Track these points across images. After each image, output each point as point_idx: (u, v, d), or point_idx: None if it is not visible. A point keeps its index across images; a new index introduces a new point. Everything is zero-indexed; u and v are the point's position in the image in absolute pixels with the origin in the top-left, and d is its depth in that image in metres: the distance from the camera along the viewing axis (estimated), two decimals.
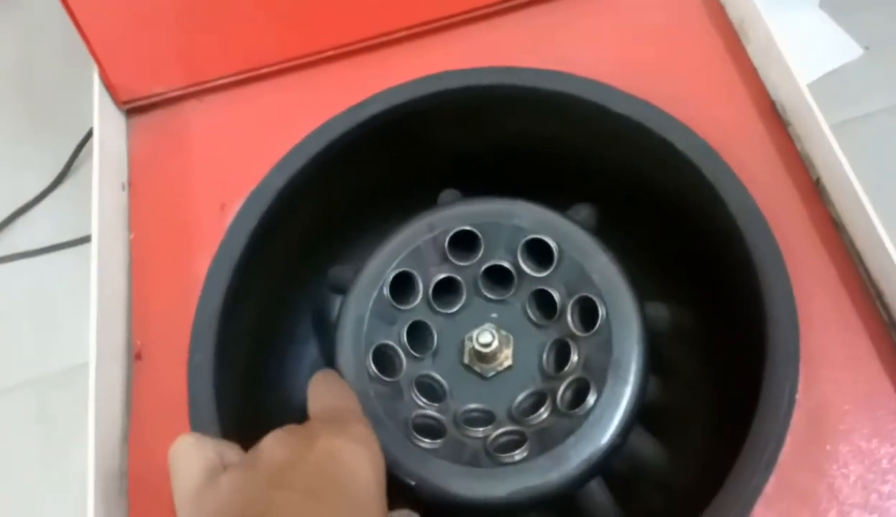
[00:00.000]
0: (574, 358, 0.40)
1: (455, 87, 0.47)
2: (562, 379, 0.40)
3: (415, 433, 0.39)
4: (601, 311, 0.40)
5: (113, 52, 0.49)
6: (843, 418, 0.36)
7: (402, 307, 0.43)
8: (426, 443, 0.39)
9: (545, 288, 0.42)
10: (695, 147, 0.43)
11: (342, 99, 0.47)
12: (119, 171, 0.49)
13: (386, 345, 0.42)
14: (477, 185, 0.48)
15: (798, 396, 0.36)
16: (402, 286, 0.43)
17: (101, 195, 0.45)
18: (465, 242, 0.44)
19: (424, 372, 0.42)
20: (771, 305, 0.38)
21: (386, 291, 0.42)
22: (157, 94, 0.51)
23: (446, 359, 0.43)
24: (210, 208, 0.46)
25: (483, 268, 0.44)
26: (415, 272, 0.43)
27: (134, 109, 0.51)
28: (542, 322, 0.43)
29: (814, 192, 0.42)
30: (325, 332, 0.49)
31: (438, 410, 0.41)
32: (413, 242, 0.43)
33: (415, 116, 0.48)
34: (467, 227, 0.43)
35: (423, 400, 0.41)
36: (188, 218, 0.47)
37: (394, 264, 0.43)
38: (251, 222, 0.44)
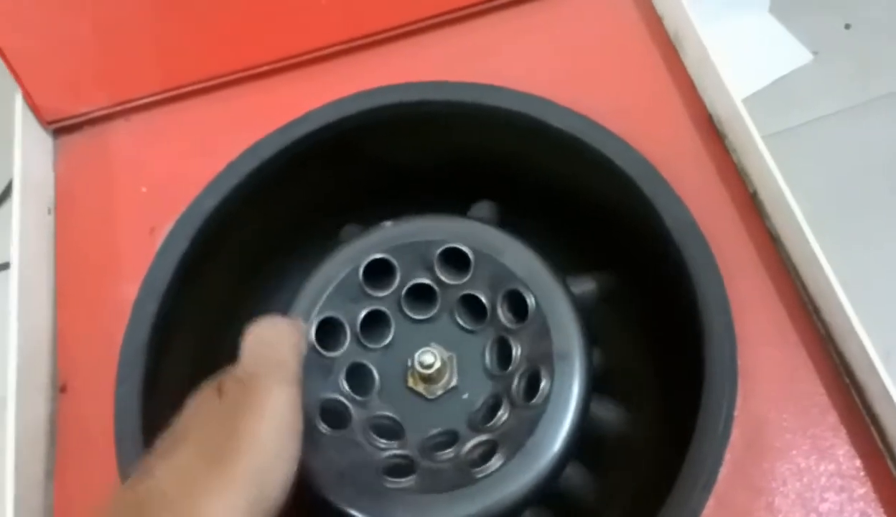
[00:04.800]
0: (516, 351, 0.40)
1: (391, 103, 0.46)
2: (511, 375, 0.40)
3: (385, 476, 0.37)
4: (529, 300, 0.40)
5: (35, 71, 0.47)
6: (781, 435, 0.36)
7: (333, 354, 0.41)
8: (400, 482, 0.37)
9: (470, 292, 0.42)
10: (632, 161, 0.42)
11: (275, 116, 0.45)
12: (44, 194, 0.47)
13: (329, 399, 0.40)
14: (431, 198, 0.47)
15: (736, 413, 0.36)
16: (329, 332, 0.41)
17: (23, 220, 0.43)
18: (380, 271, 0.42)
19: (375, 413, 0.40)
20: (708, 321, 0.37)
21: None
22: (84, 114, 0.49)
23: (392, 393, 0.41)
24: (139, 232, 0.45)
25: (404, 291, 0.42)
26: (337, 315, 0.41)
27: (60, 129, 0.50)
28: (476, 326, 0.42)
29: (750, 205, 0.42)
30: None
31: (401, 447, 0.39)
32: (327, 286, 0.41)
33: (353, 132, 0.47)
34: (378, 256, 0.42)
35: (383, 441, 0.39)
36: (117, 242, 0.45)
37: (314, 313, 0.41)
38: (181, 246, 0.42)
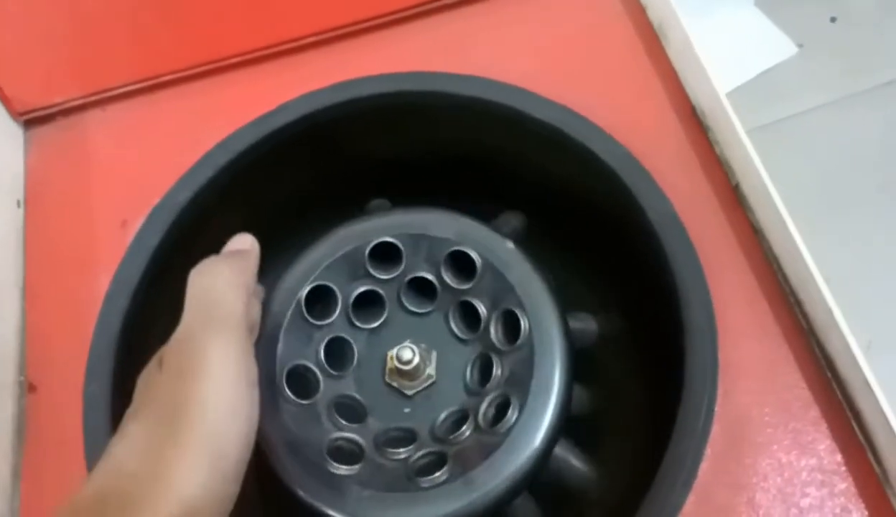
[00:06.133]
0: (497, 372, 0.39)
1: (369, 94, 0.46)
2: (484, 395, 0.39)
3: (330, 459, 0.37)
4: (524, 325, 0.39)
5: (5, 60, 0.46)
6: (762, 430, 0.35)
7: (320, 322, 0.41)
8: (343, 469, 0.36)
9: (469, 300, 0.41)
10: (614, 153, 0.42)
11: (253, 107, 0.45)
12: (14, 186, 0.46)
13: (301, 366, 0.40)
14: (413, 191, 0.47)
15: (717, 408, 0.35)
16: (321, 300, 0.41)
17: None
18: (386, 254, 0.42)
19: (344, 392, 0.40)
20: (689, 315, 0.37)
21: (302, 307, 0.40)
22: (56, 105, 0.48)
23: (368, 377, 0.41)
24: (111, 225, 0.44)
25: (405, 280, 0.42)
26: (333, 286, 0.41)
27: (32, 121, 0.48)
28: (466, 335, 0.41)
29: (733, 197, 0.41)
30: None
31: (357, 432, 0.39)
32: (332, 255, 0.41)
33: (331, 124, 0.46)
34: (388, 239, 0.41)
35: (342, 422, 0.39)
36: (88, 236, 0.44)
37: (311, 278, 0.40)
38: (153, 240, 0.42)
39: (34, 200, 0.46)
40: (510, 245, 0.41)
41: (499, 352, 0.39)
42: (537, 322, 0.38)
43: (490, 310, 0.40)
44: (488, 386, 0.39)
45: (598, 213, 0.45)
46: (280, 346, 0.39)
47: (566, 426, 0.37)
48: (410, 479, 0.36)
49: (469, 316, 0.41)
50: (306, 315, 0.40)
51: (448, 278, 0.41)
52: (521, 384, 0.37)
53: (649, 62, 0.47)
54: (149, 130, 0.48)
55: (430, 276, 0.41)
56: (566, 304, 0.40)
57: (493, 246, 0.41)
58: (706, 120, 0.43)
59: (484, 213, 0.44)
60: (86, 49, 0.48)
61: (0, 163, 0.45)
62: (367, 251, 0.41)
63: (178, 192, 0.43)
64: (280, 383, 0.38)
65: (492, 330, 0.40)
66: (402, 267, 0.42)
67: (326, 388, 0.39)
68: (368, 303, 0.42)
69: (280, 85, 0.45)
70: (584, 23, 0.49)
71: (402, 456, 0.38)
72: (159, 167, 0.44)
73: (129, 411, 0.28)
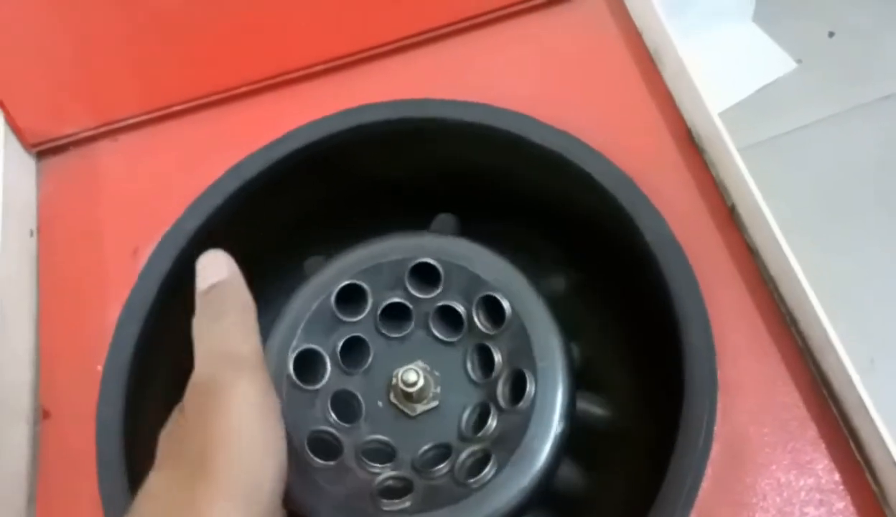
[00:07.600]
0: (497, 357, 0.40)
1: (374, 121, 0.47)
2: (495, 381, 0.40)
3: (381, 499, 0.37)
4: (505, 304, 0.40)
5: (18, 92, 0.47)
6: (761, 450, 0.36)
7: (315, 386, 0.41)
8: (397, 504, 0.37)
9: (445, 304, 0.42)
10: (611, 176, 0.43)
11: (261, 135, 0.46)
12: (27, 216, 0.47)
13: (314, 351, 0.41)
14: (418, 213, 0.47)
15: (716, 428, 0.36)
16: (353, 299, 0.42)
17: (4, 242, 0.43)
18: (427, 275, 0.43)
19: (365, 438, 0.40)
20: (687, 335, 0.38)
21: (332, 299, 0.41)
22: (68, 136, 0.49)
23: (374, 383, 0.42)
24: (123, 253, 0.45)
25: (437, 305, 0.43)
26: (367, 287, 0.42)
27: (44, 151, 0.50)
28: (454, 337, 0.42)
29: (729, 219, 0.42)
30: None
31: (395, 468, 0.39)
32: (376, 260, 0.43)
33: (337, 150, 0.47)
34: (432, 262, 0.42)
35: (377, 466, 0.39)
36: (100, 264, 0.45)
37: (348, 274, 0.42)
38: (163, 267, 0.43)
39: (47, 230, 0.47)
40: (544, 308, 0.41)
41: (491, 338, 0.40)
42: (515, 296, 0.40)
43: (504, 363, 0.41)
44: (494, 371, 0.40)
45: (597, 235, 0.46)
46: (301, 329, 0.40)
47: (546, 498, 0.38)
48: (373, 498, 0.37)
49: (450, 318, 0.42)
50: (300, 384, 0.40)
51: (477, 318, 0.42)
52: (507, 447, 0.37)
53: (645, 86, 0.48)
54: (159, 159, 0.49)
55: (461, 310, 0.42)
56: (582, 379, 0.40)
57: (529, 305, 0.41)
58: (702, 142, 0.44)
59: (482, 231, 0.44)
60: (97, 81, 0.49)
61: (13, 193, 0.46)
62: (332, 301, 0.42)
63: (187, 219, 0.44)
64: (305, 454, 0.38)
65: (476, 321, 0.41)
66: (370, 302, 0.43)
67: (348, 442, 0.40)
68: (353, 348, 0.42)
69: (287, 113, 0.46)
70: (581, 48, 0.50)
71: (446, 469, 0.38)
72: (169, 195, 0.45)
73: (153, 469, 0.27)
